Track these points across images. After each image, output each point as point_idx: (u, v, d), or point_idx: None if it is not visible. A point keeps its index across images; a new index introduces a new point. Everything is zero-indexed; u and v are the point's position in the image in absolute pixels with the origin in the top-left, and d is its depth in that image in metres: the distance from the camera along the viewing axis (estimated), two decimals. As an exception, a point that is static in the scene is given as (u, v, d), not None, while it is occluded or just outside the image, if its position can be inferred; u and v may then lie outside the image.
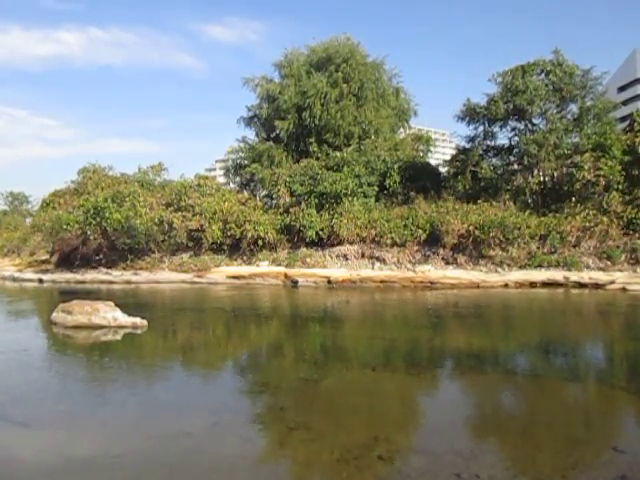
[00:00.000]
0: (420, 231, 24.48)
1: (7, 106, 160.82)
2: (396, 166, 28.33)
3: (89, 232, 26.65)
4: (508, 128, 27.58)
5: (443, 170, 30.63)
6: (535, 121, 26.85)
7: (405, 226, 24.89)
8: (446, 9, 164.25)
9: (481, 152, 27.96)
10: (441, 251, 24.13)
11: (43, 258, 33.04)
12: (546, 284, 20.73)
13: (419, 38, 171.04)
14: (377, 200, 27.91)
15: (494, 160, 28.20)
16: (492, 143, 28.32)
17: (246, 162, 32.73)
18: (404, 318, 15.50)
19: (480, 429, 6.50)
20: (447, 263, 23.89)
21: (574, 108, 26.42)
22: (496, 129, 27.80)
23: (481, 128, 27.96)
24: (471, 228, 23.44)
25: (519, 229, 23.11)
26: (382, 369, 9.32)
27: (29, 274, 29.08)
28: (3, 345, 11.61)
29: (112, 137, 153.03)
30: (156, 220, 26.64)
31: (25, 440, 6.26)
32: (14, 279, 28.73)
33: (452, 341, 11.85)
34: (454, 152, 30.55)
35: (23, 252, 37.24)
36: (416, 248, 24.59)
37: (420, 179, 28.59)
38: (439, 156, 42.92)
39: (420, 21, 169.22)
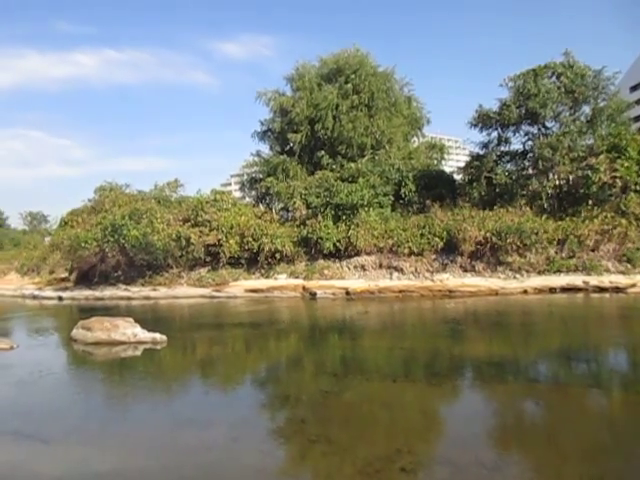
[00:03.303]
0: (437, 239, 24.35)
1: (25, 128, 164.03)
2: (411, 175, 28.28)
3: (107, 249, 26.91)
4: (521, 133, 27.42)
5: (458, 177, 30.49)
6: (548, 124, 26.66)
7: (422, 235, 24.77)
8: (451, 17, 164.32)
9: (495, 158, 27.78)
10: (459, 259, 23.95)
11: (62, 276, 33.38)
12: (566, 289, 20.44)
13: (428, 47, 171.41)
14: (393, 210, 27.85)
15: (509, 165, 28.00)
16: (506, 148, 28.15)
17: (261, 176, 32.92)
18: (423, 328, 15.40)
19: (503, 439, 6.41)
20: (465, 271, 23.70)
21: (587, 110, 26.18)
22: (509, 134, 27.64)
23: (494, 134, 27.84)
24: (488, 235, 23.26)
25: (536, 234, 22.88)
26: (403, 380, 9.26)
27: (49, 292, 29.42)
28: (25, 363, 11.75)
29: (128, 155, 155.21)
30: (173, 236, 26.83)
31: (47, 456, 6.33)
32: (34, 297, 29.08)
33: (472, 350, 11.74)
34: (468, 159, 30.40)
35: (43, 270, 37.63)
36: (433, 257, 24.44)
37: (435, 187, 28.49)
38: (453, 163, 42.71)
39: (428, 30, 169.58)
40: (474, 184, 27.37)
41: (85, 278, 29.30)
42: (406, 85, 33.92)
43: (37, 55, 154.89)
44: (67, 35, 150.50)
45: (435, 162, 32.19)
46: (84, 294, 27.09)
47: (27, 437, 6.83)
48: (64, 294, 27.67)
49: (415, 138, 35.19)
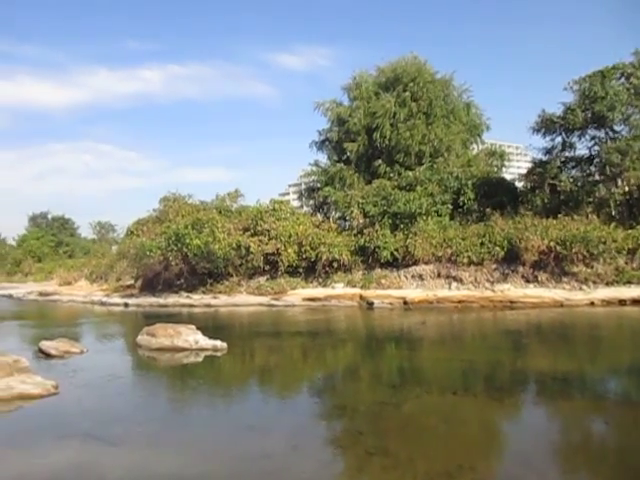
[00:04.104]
0: (497, 248, 23.71)
1: (95, 142, 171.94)
2: (470, 183, 27.74)
3: (171, 258, 27.79)
4: (587, 137, 26.36)
5: (519, 185, 29.65)
6: (617, 128, 25.51)
7: (482, 244, 24.20)
8: (509, 25, 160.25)
9: (559, 164, 26.85)
10: (520, 269, 23.22)
11: (128, 283, 34.70)
12: (637, 301, 19.44)
13: (488, 54, 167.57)
14: (452, 218, 27.39)
15: (574, 172, 26.98)
16: (571, 154, 27.14)
17: (319, 185, 33.14)
18: (484, 339, 15.04)
19: (570, 459, 6.17)
20: (527, 281, 22.95)
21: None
22: (574, 139, 26.63)
23: (558, 139, 26.91)
24: (552, 244, 22.42)
25: (604, 243, 21.89)
26: (463, 393, 9.07)
27: (116, 299, 30.67)
28: (94, 366, 12.31)
29: (191, 166, 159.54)
30: (234, 245, 27.41)
31: (113, 458, 6.58)
32: (102, 303, 30.39)
33: (536, 364, 11.36)
34: (530, 165, 29.54)
35: (110, 278, 39.25)
36: (494, 266, 23.81)
37: (496, 195, 27.81)
38: (514, 170, 41.60)
39: (490, 38, 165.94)
40: (537, 191, 26.54)
41: (150, 285, 30.37)
42: (465, 91, 33.34)
43: (107, 72, 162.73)
44: (134, 52, 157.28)
45: (495, 169, 31.40)
46: (148, 301, 28.08)
47: (96, 439, 7.12)
48: (130, 301, 28.77)
49: (474, 145, 34.47)
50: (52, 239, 66.07)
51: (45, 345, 13.35)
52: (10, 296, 39.95)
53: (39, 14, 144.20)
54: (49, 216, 72.81)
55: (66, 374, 10.85)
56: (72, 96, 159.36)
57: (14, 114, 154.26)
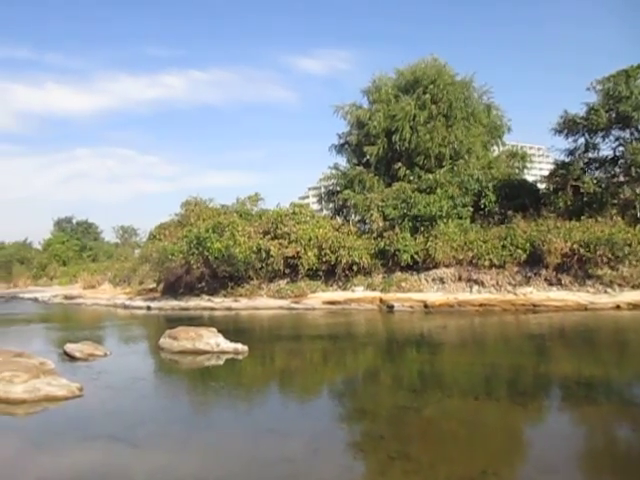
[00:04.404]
0: (520, 251, 23.44)
1: (118, 147, 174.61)
2: (491, 185, 27.50)
3: (192, 261, 28.06)
4: (611, 138, 25.88)
5: (541, 186, 29.28)
6: (642, 128, 25.06)
7: (503, 246, 23.94)
8: (530, 25, 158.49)
9: (582, 165, 26.43)
10: (543, 272, 22.92)
11: (151, 286, 35.11)
12: (665, 305, 19.05)
13: (509, 55, 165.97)
14: (472, 221, 27.16)
15: (597, 173, 26.52)
16: (594, 155, 26.69)
17: (338, 188, 33.15)
18: (506, 343, 14.88)
19: (597, 466, 6.07)
20: (550, 284, 22.63)
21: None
22: (598, 140, 26.18)
23: (581, 140, 26.49)
24: (575, 246, 22.10)
25: (630, 245, 21.50)
26: (485, 398, 8.98)
27: (138, 302, 31.05)
28: (117, 369, 12.49)
29: (211, 170, 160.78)
30: (254, 248, 27.56)
31: (137, 461, 6.66)
32: (125, 306, 30.79)
33: (560, 368, 11.20)
34: (552, 167, 29.15)
35: (133, 281, 39.76)
36: (516, 269, 23.53)
37: (517, 197, 27.52)
38: (536, 172, 41.04)
39: (507, 39, 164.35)
40: (559, 193, 26.15)
41: (172, 289, 30.68)
42: (485, 93, 33.07)
43: (129, 78, 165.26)
44: (156, 58, 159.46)
45: (517, 171, 31.08)
46: (170, 304, 28.36)
47: (119, 440, 7.22)
48: (152, 304, 29.10)
49: (495, 147, 34.17)
50: (76, 243, 67.13)
51: (70, 348, 13.57)
52: (36, 299, 40.73)
53: (64, 22, 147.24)
54: (73, 220, 74.03)
55: (90, 376, 11.02)
56: (96, 102, 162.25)
57: (40, 121, 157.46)
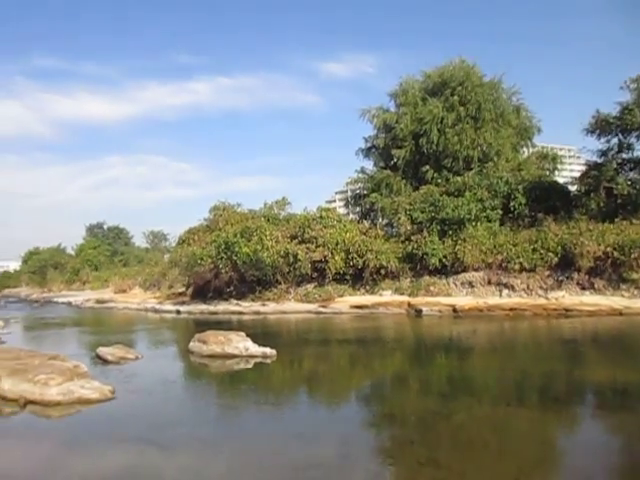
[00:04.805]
0: (551, 255, 23.00)
1: (150, 154, 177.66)
2: (521, 187, 27.06)
3: (221, 266, 28.32)
4: (646, 138, 25.30)
5: (573, 188, 28.71)
6: (679, 128, 24.36)
7: (534, 250, 23.53)
8: (560, 21, 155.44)
9: (616, 166, 25.82)
10: (575, 275, 22.43)
11: (180, 291, 35.53)
12: None
13: (538, 54, 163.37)
14: (502, 224, 26.76)
15: (632, 174, 25.89)
16: (628, 155, 26.06)
17: (365, 192, 33.12)
18: (538, 348, 14.61)
19: (634, 477, 5.89)
20: (583, 288, 22.14)
21: None
22: (632, 140, 25.57)
23: (614, 140, 25.87)
24: (609, 249, 21.57)
25: (667, 248, 20.90)
26: (517, 404, 8.83)
27: (168, 306, 31.46)
28: (148, 372, 12.68)
29: (239, 176, 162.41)
30: (282, 253, 27.68)
31: (167, 463, 6.74)
32: (155, 311, 31.24)
33: (593, 375, 10.94)
34: (584, 168, 28.57)
35: (163, 285, 40.29)
36: (547, 273, 23.09)
37: (548, 199, 27.03)
38: (567, 174, 40.26)
39: (539, 37, 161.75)
40: (592, 195, 25.61)
41: (200, 293, 31.01)
42: (514, 94, 32.66)
43: (158, 86, 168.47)
44: (184, 66, 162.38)
45: (547, 173, 30.53)
46: (199, 308, 28.65)
47: (150, 442, 7.33)
48: (182, 308, 29.45)
49: (525, 149, 33.69)
50: (108, 248, 68.45)
51: (102, 351, 13.83)
52: (69, 303, 41.63)
53: (95, 32, 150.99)
54: (105, 226, 75.60)
55: (122, 379, 11.20)
56: (126, 110, 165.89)
57: (73, 129, 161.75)
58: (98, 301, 39.17)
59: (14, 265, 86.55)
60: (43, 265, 67.62)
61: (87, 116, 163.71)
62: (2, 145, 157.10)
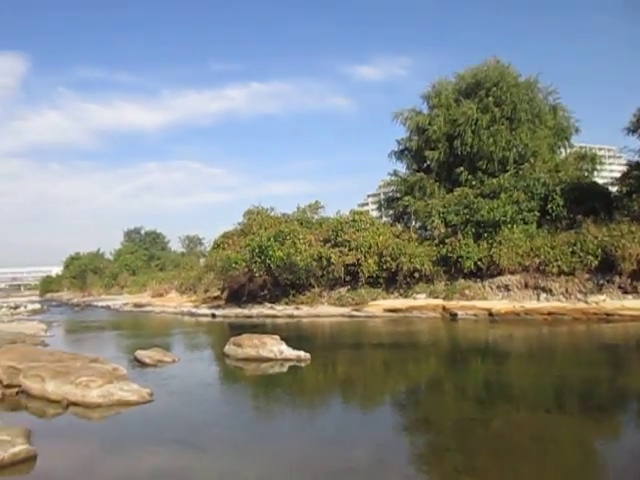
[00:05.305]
0: (590, 257, 22.39)
1: (186, 160, 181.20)
2: (558, 189, 26.46)
3: (255, 270, 28.58)
4: (691, 137, 24.44)
5: (613, 189, 27.92)
6: None
7: (573, 252, 22.96)
8: (597, 16, 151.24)
9: (659, 166, 25.05)
10: (617, 279, 21.78)
11: (215, 294, 36.01)
12: None
13: (577, 51, 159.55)
14: (539, 226, 26.22)
15: (676, 174, 25.06)
16: (673, 154, 25.23)
17: (398, 195, 32.90)
18: (578, 354, 14.24)
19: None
20: (625, 292, 21.47)
21: None
22: (676, 139, 24.76)
23: (657, 139, 25.11)
24: (653, 252, 20.91)
25: None
26: (557, 411, 8.63)
27: (203, 309, 31.91)
28: (185, 375, 12.88)
29: (273, 180, 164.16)
30: (315, 256, 27.77)
31: (203, 465, 6.83)
32: (191, 314, 31.72)
33: (637, 382, 10.61)
34: (625, 169, 27.77)
35: (198, 289, 40.93)
36: (587, 276, 22.49)
37: (587, 201, 26.33)
38: (607, 174, 39.16)
39: (573, 32, 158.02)
40: (634, 196, 24.83)
41: (235, 296, 31.36)
42: (551, 93, 31.94)
43: (195, 93, 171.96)
44: (219, 73, 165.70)
45: (586, 174, 29.75)
46: (234, 312, 28.96)
47: (187, 445, 7.44)
48: (217, 312, 29.83)
49: (562, 149, 32.94)
50: (145, 253, 69.85)
51: (140, 354, 14.12)
52: (108, 307, 42.71)
53: (134, 44, 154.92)
54: (142, 231, 77.15)
55: (159, 382, 11.41)
56: (163, 117, 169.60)
57: (111, 137, 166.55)
58: (136, 305, 40.04)
59: (56, 270, 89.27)
60: (83, 270, 69.53)
61: (125, 124, 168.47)
62: (45, 154, 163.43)
